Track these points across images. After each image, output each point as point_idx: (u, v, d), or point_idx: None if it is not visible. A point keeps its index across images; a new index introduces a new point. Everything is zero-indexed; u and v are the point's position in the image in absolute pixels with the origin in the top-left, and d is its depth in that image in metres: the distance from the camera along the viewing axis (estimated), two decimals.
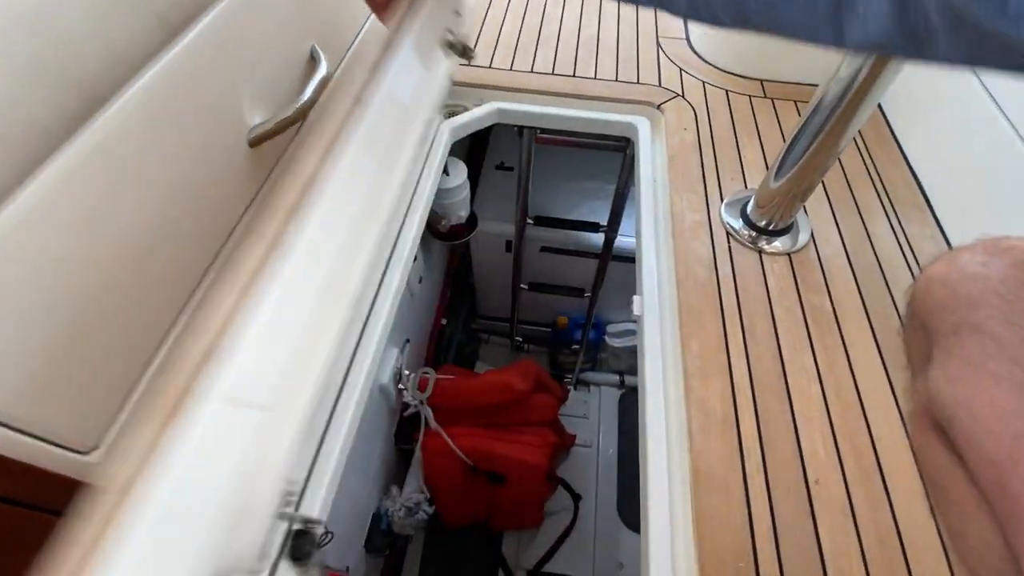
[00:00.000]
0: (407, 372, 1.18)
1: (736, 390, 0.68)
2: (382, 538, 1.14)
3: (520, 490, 1.27)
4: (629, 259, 1.45)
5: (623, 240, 1.40)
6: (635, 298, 0.81)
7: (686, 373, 0.70)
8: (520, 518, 1.44)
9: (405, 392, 1.16)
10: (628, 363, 1.81)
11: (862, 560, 0.56)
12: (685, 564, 0.57)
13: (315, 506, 0.61)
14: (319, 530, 0.59)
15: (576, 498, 1.60)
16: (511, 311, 1.68)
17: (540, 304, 1.71)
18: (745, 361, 0.71)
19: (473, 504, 1.36)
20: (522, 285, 1.54)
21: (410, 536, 1.20)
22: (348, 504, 1.02)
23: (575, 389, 1.86)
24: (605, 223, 1.34)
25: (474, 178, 1.48)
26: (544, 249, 1.50)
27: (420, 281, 1.27)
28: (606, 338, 1.76)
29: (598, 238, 1.37)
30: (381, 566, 1.27)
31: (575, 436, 1.65)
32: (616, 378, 1.86)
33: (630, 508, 1.63)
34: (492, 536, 1.53)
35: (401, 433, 1.27)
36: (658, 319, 0.77)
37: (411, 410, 1.20)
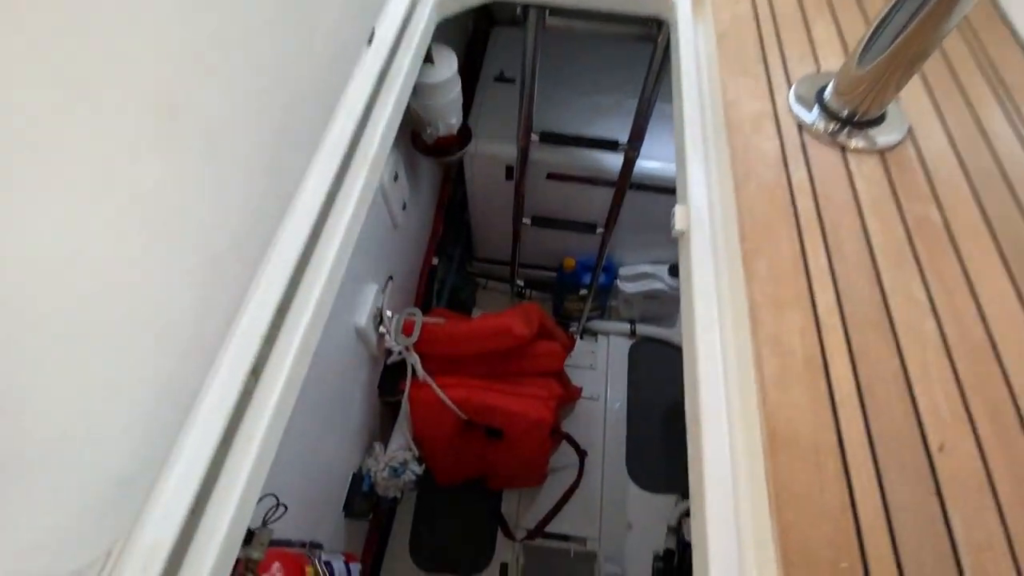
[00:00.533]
0: (389, 313, 1.00)
1: (822, 325, 0.50)
2: (363, 501, 1.00)
3: (521, 447, 1.12)
4: (652, 188, 1.25)
5: (646, 165, 1.19)
6: (676, 209, 0.62)
7: (752, 303, 0.51)
8: (521, 477, 1.31)
9: (387, 337, 0.99)
10: (641, 310, 1.64)
11: (1011, 556, 0.40)
12: (760, 558, 0.40)
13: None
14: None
15: (582, 454, 1.47)
16: (512, 251, 1.49)
17: (545, 243, 1.51)
18: (832, 287, 0.52)
19: (468, 462, 1.22)
20: (525, 220, 1.33)
21: (397, 498, 1.05)
22: (321, 464, 0.86)
23: (581, 339, 1.70)
24: (624, 141, 1.12)
25: (469, 92, 1.25)
26: (551, 176, 1.28)
27: (404, 208, 1.07)
28: (618, 282, 1.58)
29: (615, 160, 1.15)
30: (366, 530, 1.14)
31: (581, 389, 1.50)
32: (627, 327, 1.69)
33: (640, 465, 1.51)
34: (490, 495, 1.40)
35: (385, 384, 1.11)
36: (708, 234, 0.58)
37: (395, 357, 1.03)
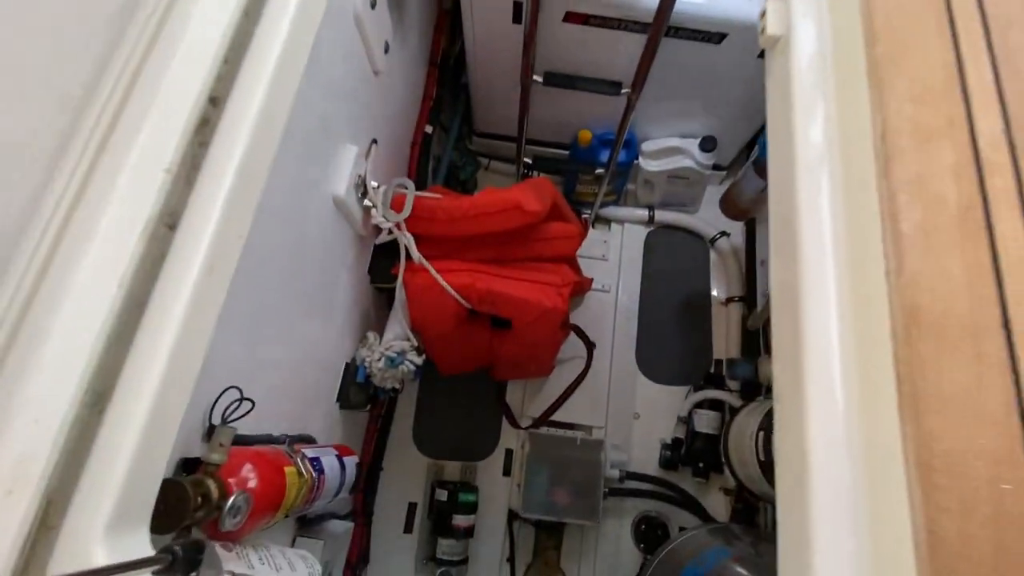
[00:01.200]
0: (375, 184, 0.84)
1: (984, 163, 0.34)
2: (359, 392, 0.92)
3: (531, 338, 1.03)
4: (694, 34, 1.01)
5: (689, 2, 0.94)
6: (768, 5, 0.43)
7: (886, 129, 0.35)
8: (528, 369, 1.24)
9: (374, 211, 0.83)
10: (662, 194, 1.47)
11: None
12: (884, 476, 0.29)
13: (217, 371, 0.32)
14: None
15: (590, 346, 1.39)
16: (518, 122, 1.27)
17: (557, 112, 1.29)
18: (999, 111, 0.36)
19: (472, 354, 1.13)
20: (535, 77, 1.11)
21: (396, 389, 0.98)
22: (305, 353, 0.76)
23: (593, 227, 1.55)
24: None
25: None
26: (569, 18, 1.04)
27: (387, 52, 0.85)
28: (640, 160, 1.39)
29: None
30: (365, 421, 1.09)
31: (592, 280, 1.38)
32: (644, 213, 1.53)
33: (650, 357, 1.44)
34: (494, 384, 1.35)
35: (377, 268, 0.98)
36: (816, 35, 0.40)
37: (385, 237, 0.89)
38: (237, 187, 0.36)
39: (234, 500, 0.44)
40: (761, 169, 0.98)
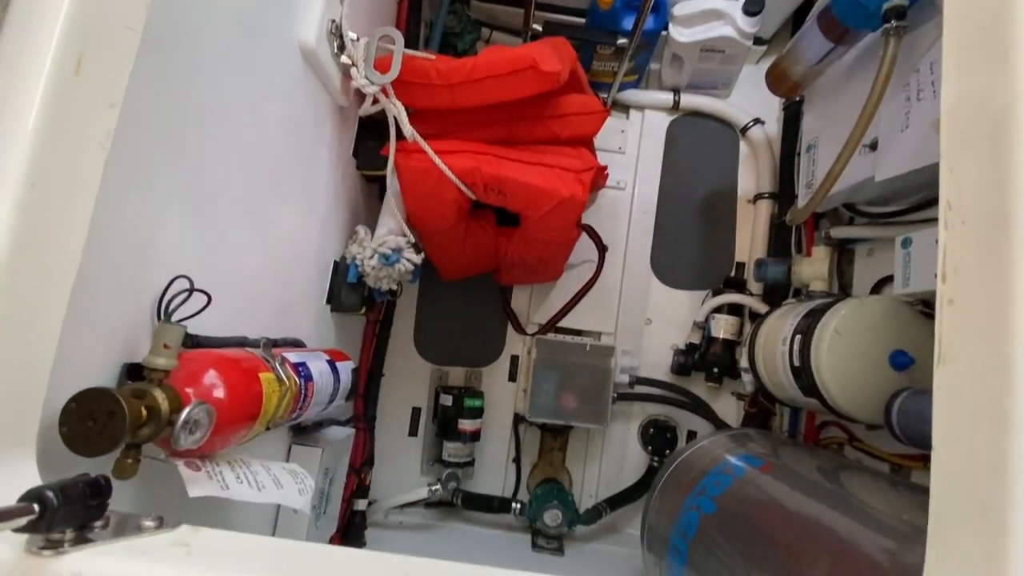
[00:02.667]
0: (353, 36, 0.66)
1: None
2: (351, 294, 0.82)
3: (542, 235, 0.91)
4: None
5: None
6: None
7: None
8: (537, 272, 1.13)
9: (354, 71, 0.67)
10: (692, 72, 1.27)
11: None
12: None
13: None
14: None
15: (602, 249, 1.28)
16: None
17: None
18: None
19: (476, 257, 1.02)
20: None
21: (394, 291, 0.88)
22: (279, 246, 0.64)
23: (609, 113, 1.36)
24: None
25: None
26: None
27: None
28: (669, 29, 1.18)
29: None
30: (363, 325, 1.00)
31: (607, 173, 1.23)
32: (669, 97, 1.34)
33: (665, 260, 1.34)
34: (499, 289, 1.26)
35: (364, 149, 0.83)
36: None
37: (371, 108, 0.73)
38: None
39: (189, 413, 0.34)
40: (828, 25, 0.80)
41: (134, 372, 0.40)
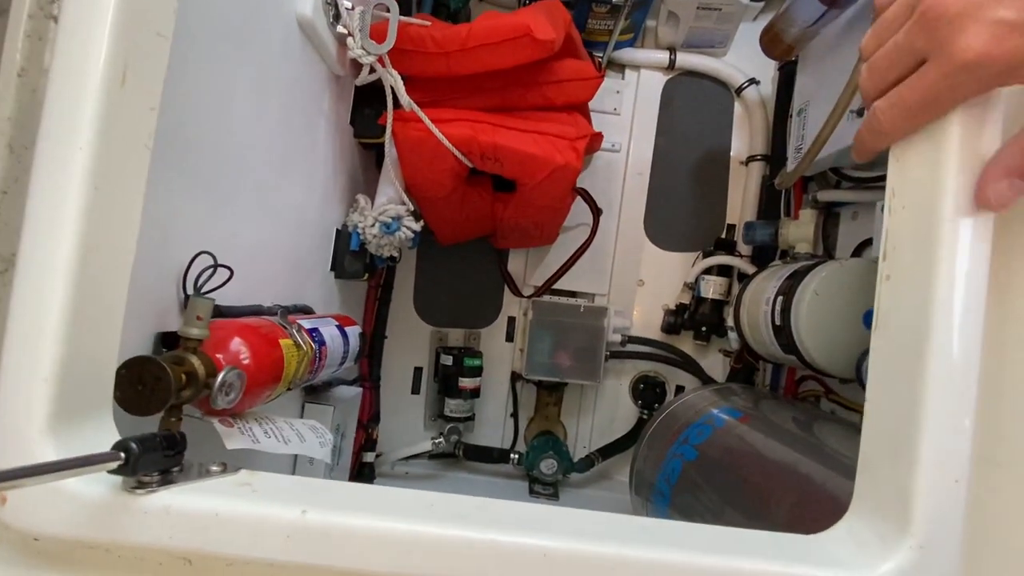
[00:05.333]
0: (348, 4, 0.67)
1: None
2: (354, 261, 0.85)
3: (538, 202, 0.93)
4: None
5: None
6: None
7: None
8: (532, 237, 1.16)
9: (350, 41, 0.67)
10: (688, 31, 1.25)
11: None
12: None
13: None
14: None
15: (596, 212, 1.31)
16: None
17: None
18: None
19: (473, 221, 1.05)
20: None
21: (394, 257, 0.91)
22: (286, 217, 0.67)
23: (604, 74, 1.35)
24: None
25: None
26: None
27: None
28: None
29: None
30: (364, 291, 1.04)
31: (602, 135, 1.24)
32: (665, 57, 1.33)
33: (658, 222, 1.36)
34: (495, 252, 1.29)
35: (361, 118, 0.84)
36: None
37: (367, 77, 0.74)
38: None
39: (224, 377, 0.38)
40: None
41: (166, 340, 0.44)
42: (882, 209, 0.78)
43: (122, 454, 0.22)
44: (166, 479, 0.25)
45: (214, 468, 0.26)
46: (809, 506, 0.57)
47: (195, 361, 0.38)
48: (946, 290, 0.23)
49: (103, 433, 0.25)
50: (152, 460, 0.23)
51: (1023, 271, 0.24)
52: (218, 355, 0.42)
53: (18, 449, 0.21)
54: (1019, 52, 0.21)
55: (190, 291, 0.43)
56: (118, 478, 0.23)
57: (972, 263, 0.23)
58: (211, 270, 0.42)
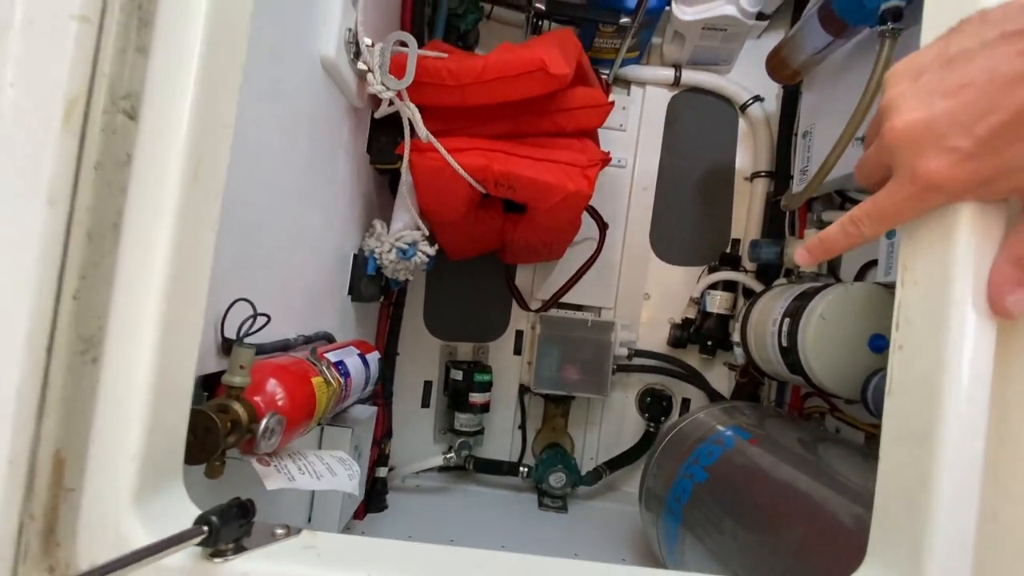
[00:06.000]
0: (368, 42, 0.68)
1: None
2: (371, 284, 0.87)
3: (548, 223, 0.95)
4: None
5: None
6: None
7: None
8: (541, 254, 1.18)
9: (370, 77, 0.69)
10: (692, 49, 1.27)
11: None
12: None
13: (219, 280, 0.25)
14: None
15: (603, 227, 1.33)
16: None
17: None
18: None
19: (483, 240, 1.07)
20: None
21: (408, 280, 0.93)
22: (310, 247, 0.69)
23: (611, 90, 1.37)
24: None
25: None
26: None
27: None
28: (672, 6, 1.17)
29: None
30: (377, 311, 1.06)
31: (609, 154, 1.26)
32: (670, 74, 1.35)
33: (664, 237, 1.39)
34: (504, 267, 1.31)
35: (377, 147, 0.86)
36: None
37: (386, 110, 0.76)
38: (211, 49, 0.25)
39: (266, 423, 0.40)
40: (827, 19, 0.82)
41: (207, 383, 0.46)
42: (886, 235, 0.80)
43: (205, 528, 0.24)
44: (239, 546, 0.27)
45: (279, 531, 0.28)
46: (818, 530, 0.59)
47: (239, 409, 0.40)
48: (956, 368, 0.25)
49: (178, 500, 0.27)
50: (230, 530, 0.25)
51: (1020, 343, 0.26)
52: (256, 398, 0.44)
53: (109, 529, 0.23)
54: (975, 175, 0.24)
55: (228, 334, 0.45)
56: (199, 548, 0.25)
57: (981, 342, 0.24)
58: (252, 319, 0.44)
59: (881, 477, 0.29)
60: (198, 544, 0.24)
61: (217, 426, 0.36)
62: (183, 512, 0.26)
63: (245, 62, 0.27)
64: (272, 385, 0.46)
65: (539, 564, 0.27)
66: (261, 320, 0.45)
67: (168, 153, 0.24)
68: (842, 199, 1.00)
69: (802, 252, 0.32)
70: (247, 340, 0.44)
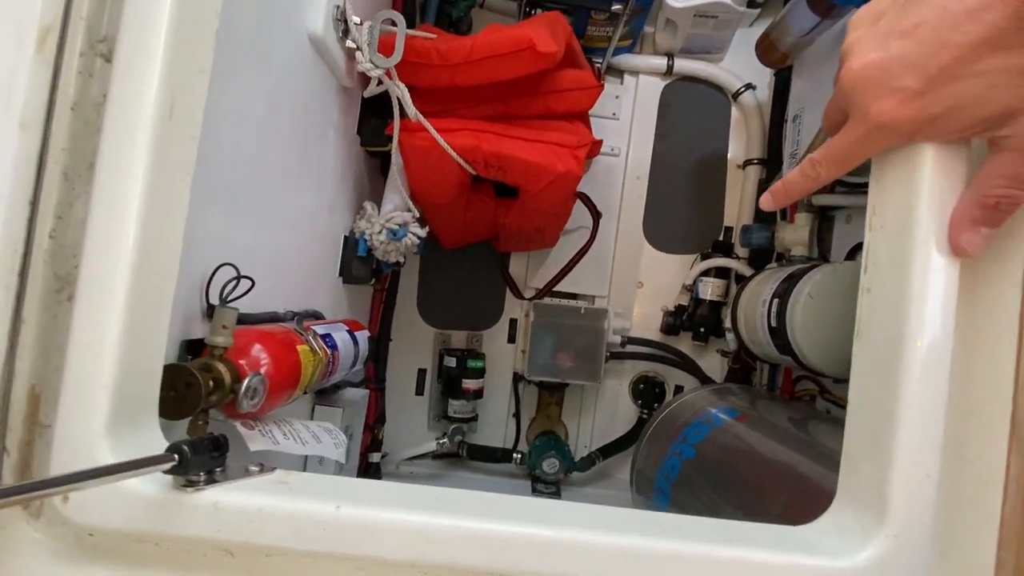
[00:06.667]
0: (357, 20, 0.69)
1: None
2: (362, 266, 0.87)
3: (539, 207, 0.96)
4: None
5: None
6: None
7: None
8: (534, 241, 1.19)
9: (359, 55, 0.70)
10: (685, 37, 1.28)
11: None
12: None
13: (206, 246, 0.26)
14: None
15: (596, 216, 1.33)
16: None
17: None
18: None
19: (476, 226, 1.07)
20: None
21: (400, 262, 0.93)
22: (299, 226, 0.69)
23: (604, 79, 1.37)
24: None
25: None
26: None
27: None
28: None
29: None
30: (370, 295, 1.06)
31: (601, 141, 1.27)
32: (663, 62, 1.35)
33: (657, 225, 1.39)
34: (497, 255, 1.31)
35: (367, 128, 0.86)
36: None
37: (375, 89, 0.76)
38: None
39: (249, 382, 0.41)
40: (815, 1, 0.82)
41: (191, 347, 0.46)
42: None
43: (176, 456, 0.24)
44: (211, 478, 0.27)
45: (253, 468, 0.29)
46: (802, 501, 0.60)
47: (222, 368, 0.40)
48: (919, 305, 0.25)
49: (152, 437, 0.27)
50: (201, 461, 0.26)
51: (987, 284, 0.26)
52: (240, 361, 0.44)
53: (80, 452, 0.24)
54: (923, 113, 0.25)
55: (213, 301, 0.45)
56: (170, 478, 0.26)
57: (944, 280, 0.25)
58: (235, 281, 0.44)
59: (849, 418, 0.29)
60: (169, 472, 0.25)
61: (198, 381, 0.37)
62: (158, 447, 0.26)
63: (220, 9, 0.28)
64: (257, 350, 0.46)
65: (512, 502, 0.27)
66: (246, 284, 0.45)
67: (141, 89, 0.24)
68: (834, 181, 1.00)
69: (766, 197, 0.33)
70: (231, 303, 0.45)
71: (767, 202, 0.33)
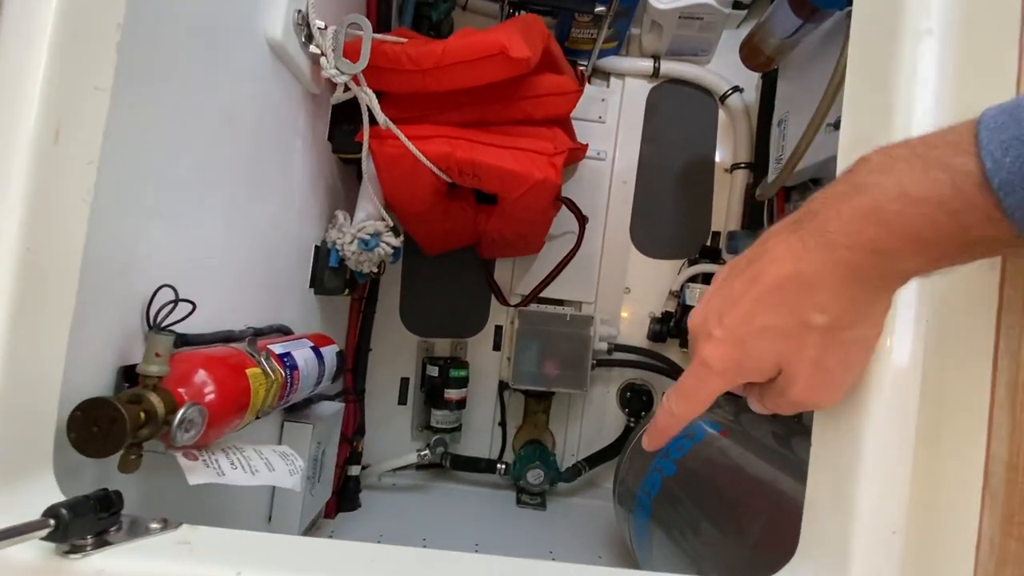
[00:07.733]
0: (321, 24, 0.66)
1: None
2: (334, 277, 0.84)
3: (520, 214, 0.93)
4: None
5: None
6: None
7: None
8: (517, 247, 1.16)
9: (324, 61, 0.67)
10: (671, 40, 1.25)
11: None
12: None
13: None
14: None
15: (582, 220, 1.30)
16: None
17: None
18: None
19: (455, 233, 1.05)
20: None
21: (376, 272, 0.91)
22: (260, 237, 0.66)
23: (589, 82, 1.35)
24: None
25: None
26: None
27: None
28: None
29: None
30: (347, 306, 1.04)
31: (587, 146, 1.24)
32: (649, 64, 1.33)
33: (644, 230, 1.37)
34: (483, 262, 1.29)
35: (339, 134, 0.84)
36: None
37: (343, 95, 0.74)
38: (73, 7, 0.23)
39: (183, 414, 0.38)
40: (797, 2, 0.80)
41: (130, 374, 0.43)
42: None
43: (52, 521, 0.22)
44: (101, 540, 0.24)
45: (154, 525, 0.26)
46: (782, 520, 0.58)
47: (154, 399, 0.38)
48: (884, 356, 0.23)
49: (42, 493, 0.25)
50: (85, 524, 0.23)
51: (956, 335, 0.24)
52: (180, 389, 0.42)
53: None
54: (729, 357, 0.29)
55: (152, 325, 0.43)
56: (52, 544, 0.23)
57: (911, 333, 0.23)
58: (171, 305, 0.42)
59: (812, 463, 0.27)
60: (46, 539, 0.22)
61: (123, 416, 0.34)
62: (51, 500, 0.24)
63: (123, 22, 0.25)
64: (201, 376, 0.44)
65: (426, 557, 0.25)
66: (185, 308, 0.43)
67: (17, 110, 0.21)
68: (818, 188, 0.98)
69: (646, 441, 0.35)
70: (170, 327, 0.42)
71: (648, 444, 0.35)
